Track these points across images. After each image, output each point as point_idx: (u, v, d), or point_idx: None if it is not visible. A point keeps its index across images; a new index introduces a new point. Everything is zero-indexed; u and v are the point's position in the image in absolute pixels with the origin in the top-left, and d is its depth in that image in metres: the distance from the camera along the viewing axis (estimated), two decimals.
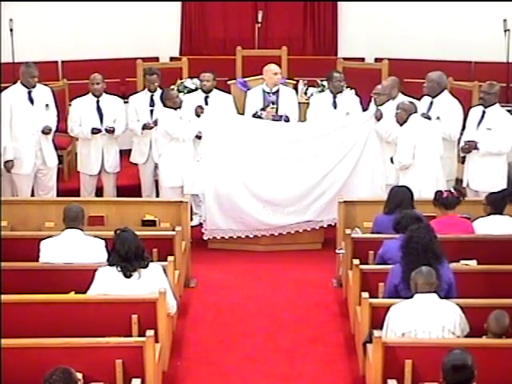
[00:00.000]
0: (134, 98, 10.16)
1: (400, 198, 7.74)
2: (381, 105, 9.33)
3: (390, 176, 9.21)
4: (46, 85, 9.63)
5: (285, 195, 9.11)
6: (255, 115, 9.89)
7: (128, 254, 6.41)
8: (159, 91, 9.89)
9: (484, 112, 9.03)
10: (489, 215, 7.79)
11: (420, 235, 6.51)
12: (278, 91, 10.08)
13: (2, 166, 9.30)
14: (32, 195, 9.49)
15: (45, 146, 9.43)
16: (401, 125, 8.87)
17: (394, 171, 9.17)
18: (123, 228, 6.58)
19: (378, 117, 9.17)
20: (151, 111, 9.98)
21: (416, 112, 8.91)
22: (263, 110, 9.91)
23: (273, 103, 9.93)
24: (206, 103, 10.08)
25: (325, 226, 9.23)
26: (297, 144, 9.15)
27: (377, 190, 9.10)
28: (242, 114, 10.14)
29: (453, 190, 7.82)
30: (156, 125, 9.73)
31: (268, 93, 10.06)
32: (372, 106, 9.51)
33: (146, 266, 6.46)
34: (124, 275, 6.42)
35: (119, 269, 6.43)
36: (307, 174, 9.11)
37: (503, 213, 7.79)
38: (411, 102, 9.02)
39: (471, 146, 8.98)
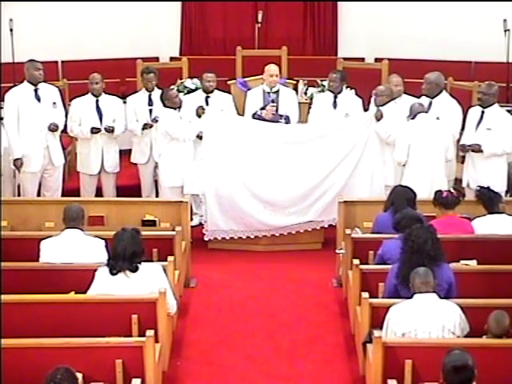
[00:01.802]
0: (132, 98, 10.16)
1: (394, 196, 7.74)
2: (381, 105, 9.33)
3: (388, 177, 9.22)
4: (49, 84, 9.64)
5: (286, 196, 9.11)
6: (255, 115, 9.89)
7: (114, 253, 6.42)
8: (157, 91, 9.90)
9: (483, 112, 9.02)
10: (488, 214, 7.79)
11: (418, 234, 6.52)
12: (278, 91, 10.08)
13: (12, 165, 9.32)
14: (38, 195, 9.49)
15: (52, 144, 9.44)
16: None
17: (393, 172, 9.19)
18: (128, 228, 6.56)
19: (378, 117, 9.17)
20: (150, 110, 9.99)
21: (423, 112, 8.93)
22: (263, 108, 9.90)
23: (273, 101, 9.92)
24: (207, 103, 10.08)
25: (325, 226, 9.23)
26: (297, 145, 9.15)
27: (376, 190, 9.11)
28: (242, 113, 10.14)
29: (452, 190, 7.82)
30: (156, 121, 9.72)
31: (268, 93, 10.06)
32: (372, 107, 9.52)
33: (134, 270, 6.43)
34: (110, 272, 6.42)
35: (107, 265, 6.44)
36: (308, 175, 9.11)
37: (499, 210, 7.79)
38: (420, 104, 9.04)
39: (475, 149, 8.96)
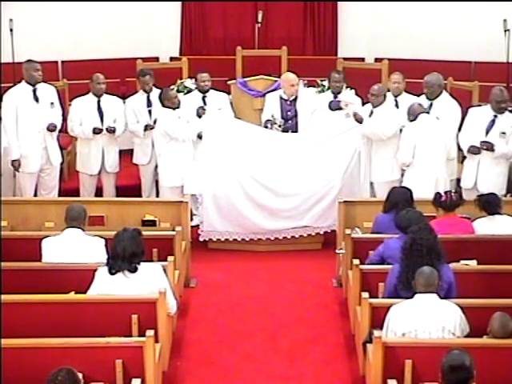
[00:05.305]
0: (131, 99, 10.14)
1: (396, 198, 7.74)
2: (377, 106, 9.31)
3: (393, 172, 9.24)
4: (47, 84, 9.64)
5: (282, 200, 9.10)
6: (267, 122, 9.81)
7: (113, 252, 6.43)
8: (155, 91, 9.90)
9: (495, 116, 8.92)
10: (489, 215, 7.79)
11: (423, 236, 6.50)
12: (295, 99, 9.90)
13: (10, 166, 9.33)
14: (35, 195, 9.50)
15: (50, 144, 9.45)
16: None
17: (397, 168, 9.22)
18: (129, 228, 6.56)
19: (359, 120, 9.16)
20: (149, 111, 9.98)
21: (423, 112, 8.92)
22: (271, 124, 9.79)
23: (279, 126, 9.81)
24: (205, 103, 10.09)
25: (321, 232, 9.22)
26: (295, 151, 9.16)
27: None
28: (239, 113, 10.11)
29: (453, 193, 7.81)
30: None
31: (285, 100, 9.93)
32: (366, 107, 9.48)
33: (133, 271, 6.43)
34: (109, 272, 6.42)
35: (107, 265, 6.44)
36: (305, 180, 9.10)
37: (499, 211, 7.79)
38: (420, 104, 9.03)
39: (488, 148, 8.88)
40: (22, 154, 9.30)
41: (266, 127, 9.71)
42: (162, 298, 6.42)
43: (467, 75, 11.88)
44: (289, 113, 9.89)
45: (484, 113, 9.03)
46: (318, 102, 10.06)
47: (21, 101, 9.28)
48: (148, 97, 10.01)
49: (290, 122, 9.86)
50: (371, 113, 9.31)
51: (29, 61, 9.35)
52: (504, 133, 8.87)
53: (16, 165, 9.31)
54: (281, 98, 9.94)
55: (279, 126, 9.72)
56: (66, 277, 6.84)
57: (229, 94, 10.46)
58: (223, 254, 9.15)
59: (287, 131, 9.73)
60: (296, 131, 9.80)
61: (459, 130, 9.29)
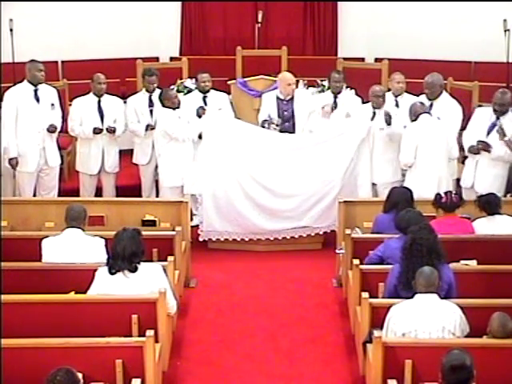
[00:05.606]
0: (133, 99, 10.15)
1: (396, 198, 7.74)
2: (379, 107, 9.30)
3: (396, 173, 9.24)
4: (48, 85, 9.64)
5: (282, 201, 9.10)
6: (265, 122, 9.79)
7: (113, 252, 6.43)
8: (157, 91, 9.89)
9: (498, 118, 8.91)
10: (488, 215, 7.79)
11: (423, 236, 6.50)
12: (292, 99, 9.89)
13: (7, 164, 9.34)
14: (34, 195, 9.50)
15: (48, 145, 9.45)
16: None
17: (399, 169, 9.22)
18: (128, 228, 6.57)
19: (388, 121, 9.14)
20: (151, 111, 9.98)
21: (425, 112, 8.91)
22: (269, 123, 9.78)
23: (277, 125, 9.79)
24: (205, 103, 10.09)
25: (321, 232, 9.21)
26: (295, 151, 9.15)
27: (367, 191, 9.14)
28: (239, 113, 10.11)
29: (453, 194, 7.80)
30: None
31: (282, 100, 9.92)
32: (365, 108, 9.47)
33: (133, 271, 6.43)
34: (109, 271, 6.43)
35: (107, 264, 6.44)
36: (304, 181, 9.10)
37: (499, 211, 7.79)
38: (422, 103, 9.02)
39: (484, 148, 8.87)
40: (20, 153, 9.30)
41: (264, 127, 9.70)
42: (162, 298, 6.42)
43: (467, 75, 11.89)
44: (285, 113, 9.88)
45: (488, 114, 9.01)
46: (316, 103, 10.06)
47: (22, 100, 9.29)
48: (150, 97, 10.02)
49: (287, 123, 9.84)
50: (374, 114, 9.31)
51: (32, 61, 9.37)
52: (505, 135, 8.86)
53: (13, 163, 9.32)
54: (277, 97, 9.93)
55: (277, 126, 9.71)
56: (66, 277, 6.84)
57: (229, 94, 10.46)
58: (223, 253, 9.15)
59: (284, 132, 9.72)
60: (293, 132, 9.79)
61: (462, 129, 9.29)
